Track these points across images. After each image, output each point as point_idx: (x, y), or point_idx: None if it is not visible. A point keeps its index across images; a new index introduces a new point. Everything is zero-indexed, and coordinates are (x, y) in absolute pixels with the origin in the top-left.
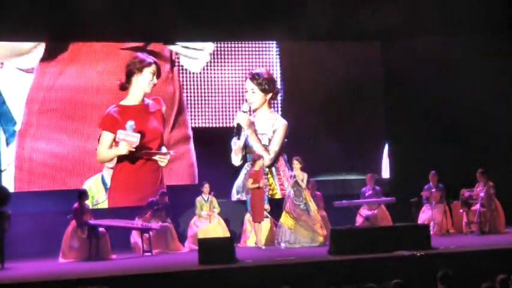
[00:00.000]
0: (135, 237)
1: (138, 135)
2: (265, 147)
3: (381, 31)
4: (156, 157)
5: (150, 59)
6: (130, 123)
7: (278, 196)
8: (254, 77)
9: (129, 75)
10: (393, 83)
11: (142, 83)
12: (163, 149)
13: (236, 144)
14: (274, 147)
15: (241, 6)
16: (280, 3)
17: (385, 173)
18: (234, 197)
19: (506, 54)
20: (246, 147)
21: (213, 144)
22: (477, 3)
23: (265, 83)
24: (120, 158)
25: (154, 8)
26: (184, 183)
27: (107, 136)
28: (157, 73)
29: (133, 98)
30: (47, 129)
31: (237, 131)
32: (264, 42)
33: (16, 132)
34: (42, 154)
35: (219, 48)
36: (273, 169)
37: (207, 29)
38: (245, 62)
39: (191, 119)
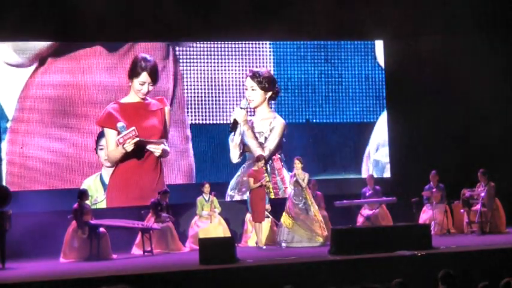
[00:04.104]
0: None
1: (134, 128)
2: (261, 145)
3: (381, 31)
4: (151, 148)
5: (144, 64)
6: (120, 125)
7: (272, 196)
8: (255, 75)
9: (128, 76)
10: (393, 83)
11: (134, 89)
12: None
13: (233, 140)
14: (270, 145)
15: (242, 6)
16: (280, 3)
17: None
18: (228, 194)
19: (506, 54)
20: (245, 145)
21: (212, 141)
22: (477, 3)
23: (265, 82)
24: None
25: (153, 8)
26: (182, 183)
27: (110, 135)
28: (152, 79)
29: (133, 96)
30: (39, 126)
31: (233, 126)
32: (262, 41)
33: (8, 128)
34: (36, 151)
35: (218, 47)
36: (268, 168)
37: (207, 28)
38: (245, 61)
39: (190, 117)
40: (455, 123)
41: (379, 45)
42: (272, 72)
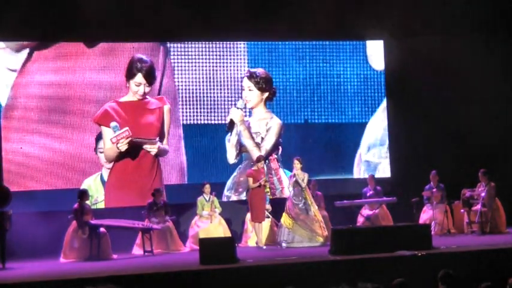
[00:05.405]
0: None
1: (127, 128)
2: (257, 145)
3: (381, 31)
4: (147, 147)
5: (140, 65)
6: (113, 125)
7: (269, 196)
8: (252, 76)
9: (125, 77)
10: (393, 83)
11: (132, 91)
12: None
13: (230, 140)
14: (267, 145)
15: (241, 6)
16: (280, 3)
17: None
18: (224, 195)
19: (506, 54)
20: (242, 145)
21: (205, 141)
22: (477, 3)
23: (263, 82)
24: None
25: (149, 7)
26: (180, 183)
27: (105, 133)
28: (148, 81)
29: (131, 95)
30: (36, 125)
31: (230, 126)
32: (260, 41)
33: (2, 127)
34: (35, 150)
35: (215, 47)
36: (265, 168)
37: (204, 28)
38: (242, 61)
39: (182, 116)
40: (455, 123)
41: (370, 45)
42: (269, 72)
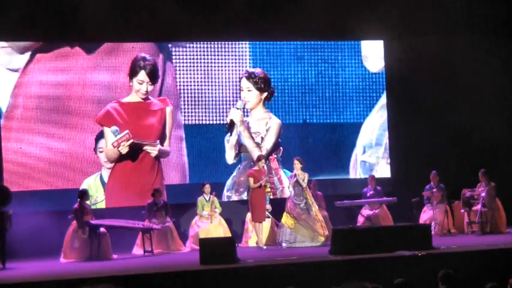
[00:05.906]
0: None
1: (127, 131)
2: (258, 145)
3: (381, 31)
4: (147, 149)
5: (143, 63)
6: (113, 129)
7: (270, 196)
8: (250, 76)
9: (128, 76)
10: (393, 82)
11: (134, 89)
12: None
13: (229, 141)
14: (267, 145)
15: (242, 6)
16: (279, 3)
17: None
18: (224, 195)
19: (506, 54)
20: (241, 146)
21: (206, 141)
22: (477, 3)
23: (261, 82)
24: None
25: (149, 7)
26: (179, 183)
27: (107, 133)
28: (151, 79)
29: (134, 96)
30: (36, 125)
31: (230, 127)
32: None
33: (2, 127)
34: (34, 150)
35: (216, 47)
36: (265, 168)
37: (203, 28)
38: (240, 61)
39: (184, 117)
40: (456, 123)
41: (365, 49)
42: (269, 72)
